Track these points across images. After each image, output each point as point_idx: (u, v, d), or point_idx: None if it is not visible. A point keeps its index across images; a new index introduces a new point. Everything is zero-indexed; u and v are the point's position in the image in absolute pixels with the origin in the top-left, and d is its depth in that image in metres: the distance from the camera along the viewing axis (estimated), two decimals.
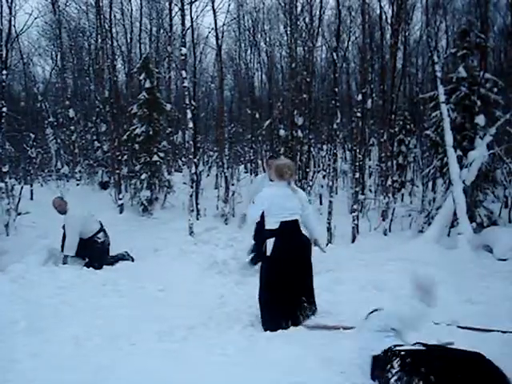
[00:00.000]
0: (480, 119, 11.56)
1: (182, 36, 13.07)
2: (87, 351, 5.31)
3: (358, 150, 14.97)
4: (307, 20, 18.76)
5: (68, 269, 8.70)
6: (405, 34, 18.88)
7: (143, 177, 14.98)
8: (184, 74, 12.57)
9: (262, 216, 6.58)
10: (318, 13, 18.82)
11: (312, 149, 17.95)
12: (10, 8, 14.29)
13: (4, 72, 13.78)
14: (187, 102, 12.55)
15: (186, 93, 12.65)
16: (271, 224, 6.32)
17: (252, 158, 22.85)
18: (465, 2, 23.81)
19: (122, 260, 9.69)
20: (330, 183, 13.23)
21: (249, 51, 26.16)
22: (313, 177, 16.41)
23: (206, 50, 27.80)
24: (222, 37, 22.14)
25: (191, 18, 18.84)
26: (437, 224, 11.01)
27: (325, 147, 21.70)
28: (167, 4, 23.17)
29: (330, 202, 12.00)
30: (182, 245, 10.75)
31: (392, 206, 13.39)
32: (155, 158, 15.06)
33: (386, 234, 12.55)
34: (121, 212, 14.57)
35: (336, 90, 13.20)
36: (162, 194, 15.72)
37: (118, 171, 15.53)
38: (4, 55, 14.55)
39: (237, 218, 11.91)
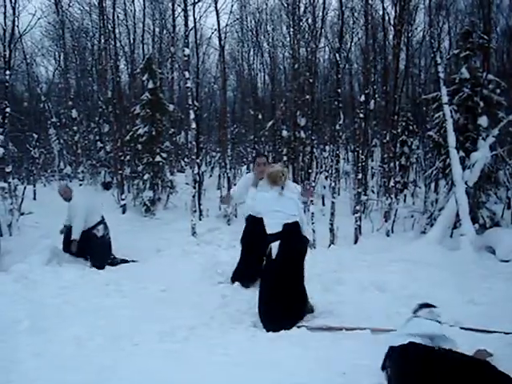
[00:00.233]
0: (483, 120, 11.56)
1: (185, 37, 13.08)
2: (89, 351, 5.32)
3: (360, 151, 14.96)
4: (310, 21, 18.72)
5: (71, 269, 8.71)
6: (408, 35, 18.93)
7: (146, 177, 14.99)
8: (187, 74, 12.59)
9: (251, 220, 6.74)
10: (320, 14, 18.77)
11: (315, 150, 17.93)
12: (13, 8, 14.25)
13: (7, 72, 13.77)
14: (190, 102, 12.56)
15: (189, 93, 12.66)
16: (274, 227, 6.36)
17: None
18: (468, 3, 23.85)
19: (124, 263, 9.72)
20: (333, 184, 13.22)
21: (252, 52, 26.15)
22: (315, 178, 16.40)
23: (209, 51, 27.82)
24: (225, 37, 22.13)
25: (194, 19, 18.83)
26: (439, 225, 11.01)
27: (327, 148, 21.70)
28: (170, 5, 23.20)
29: (333, 202, 11.99)
30: (184, 245, 10.76)
31: (394, 207, 13.38)
32: (158, 158, 15.07)
33: (388, 235, 12.54)
34: (123, 212, 14.58)
35: (339, 90, 13.19)
36: (165, 195, 15.73)
37: (120, 171, 15.54)
38: (7, 55, 14.56)
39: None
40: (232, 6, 29.85)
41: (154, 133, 15.14)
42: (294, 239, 6.46)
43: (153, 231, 12.42)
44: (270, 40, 24.62)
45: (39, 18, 21.06)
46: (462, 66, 12.28)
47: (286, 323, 6.17)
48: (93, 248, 9.50)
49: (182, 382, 4.68)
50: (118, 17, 20.74)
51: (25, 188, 13.32)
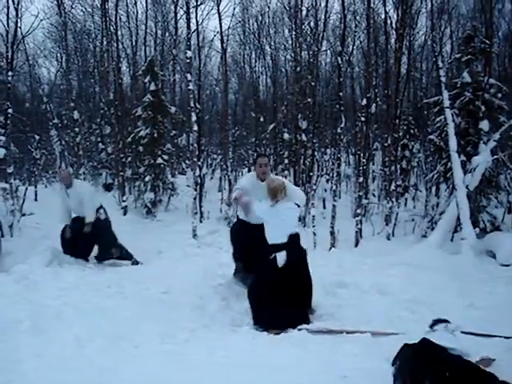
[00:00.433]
0: (484, 124, 11.57)
1: (188, 39, 13.12)
2: (90, 352, 5.31)
3: (361, 155, 14.98)
4: (312, 24, 18.77)
5: (71, 270, 8.72)
6: (409, 39, 18.93)
7: (147, 179, 15.02)
8: (189, 76, 12.62)
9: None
10: (322, 17, 18.80)
11: (316, 153, 17.95)
12: (16, 10, 14.32)
13: (10, 73, 13.82)
14: (192, 104, 12.58)
15: (191, 96, 12.69)
16: (278, 238, 6.41)
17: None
18: (469, 7, 23.87)
19: (129, 259, 9.81)
20: (334, 187, 13.23)
21: (253, 55, 26.18)
22: (316, 181, 16.43)
23: (211, 53, 27.85)
24: (227, 40, 22.21)
25: (197, 22, 18.93)
26: (440, 229, 11.01)
27: (328, 151, 21.71)
28: (172, 7, 23.25)
29: (334, 206, 12.01)
30: (185, 247, 10.77)
31: (395, 211, 13.40)
32: (159, 160, 15.10)
33: (389, 239, 12.56)
34: (124, 214, 14.59)
35: (340, 94, 13.21)
36: (166, 197, 15.76)
37: (121, 173, 15.57)
38: (10, 57, 14.59)
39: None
40: (234, 8, 30.11)
41: (155, 135, 15.17)
42: (298, 249, 6.56)
43: (154, 233, 12.43)
44: (272, 43, 24.68)
45: (42, 20, 21.22)
46: (464, 70, 12.31)
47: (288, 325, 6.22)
48: (99, 231, 9.64)
49: (183, 383, 4.68)
50: (120, 19, 20.82)
51: (26, 189, 13.33)
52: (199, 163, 14.76)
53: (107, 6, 17.23)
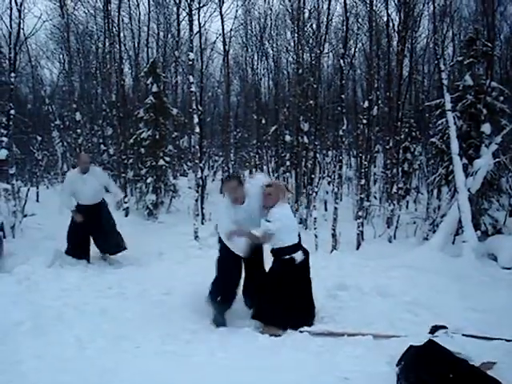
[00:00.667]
0: (486, 127, 11.57)
1: (190, 41, 13.13)
2: (91, 353, 5.32)
3: (363, 157, 14.98)
4: (314, 26, 18.77)
5: (73, 271, 8.73)
6: (411, 42, 18.92)
7: (149, 181, 15.02)
8: (191, 78, 12.62)
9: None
10: (325, 19, 18.82)
11: (317, 155, 17.95)
12: (19, 11, 14.32)
13: (12, 75, 13.84)
14: (194, 106, 12.59)
15: (193, 98, 12.70)
16: (291, 240, 6.41)
17: (258, 163, 22.87)
18: (471, 10, 23.89)
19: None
20: (335, 189, 13.23)
21: (256, 57, 26.18)
22: (318, 183, 16.42)
23: (213, 55, 27.87)
24: (230, 42, 22.23)
25: (199, 23, 18.97)
26: (442, 232, 11.00)
27: (330, 153, 21.71)
28: (175, 9, 23.25)
29: (335, 208, 12.00)
30: (187, 249, 10.78)
31: (397, 213, 13.40)
32: (161, 162, 15.11)
33: (390, 241, 12.55)
34: (126, 215, 14.60)
35: (342, 96, 13.22)
36: (168, 198, 15.76)
37: (123, 175, 15.59)
38: (13, 58, 14.61)
39: None
40: (237, 11, 30.13)
41: (157, 136, 15.17)
42: (303, 248, 6.59)
43: (155, 235, 12.44)
44: (274, 45, 24.67)
45: (44, 21, 21.12)
46: (466, 73, 12.31)
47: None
48: (108, 215, 10.00)
49: None
50: (122, 20, 20.83)
51: (28, 190, 13.34)
52: (201, 165, 14.77)
53: (110, 8, 17.24)
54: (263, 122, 21.91)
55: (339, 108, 13.13)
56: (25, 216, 12.23)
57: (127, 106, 18.30)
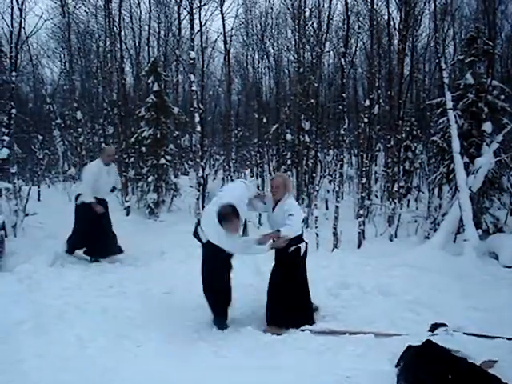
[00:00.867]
0: (487, 126, 11.57)
1: (191, 40, 13.14)
2: (92, 353, 5.32)
3: (364, 156, 14.98)
4: (315, 25, 18.78)
5: (74, 270, 8.72)
6: (412, 40, 18.92)
7: (150, 179, 15.03)
8: (192, 77, 12.64)
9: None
10: (326, 18, 18.83)
11: (318, 154, 17.96)
12: (20, 10, 14.31)
13: (14, 74, 13.84)
14: (195, 105, 12.62)
15: (194, 96, 12.72)
16: (299, 230, 6.45)
17: (259, 162, 22.88)
18: (472, 8, 23.87)
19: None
20: (337, 188, 13.24)
21: (257, 55, 26.16)
22: (319, 182, 16.43)
23: (214, 54, 27.87)
24: (231, 41, 22.21)
25: (200, 22, 18.94)
26: (443, 230, 11.01)
27: (331, 152, 21.72)
28: (176, 8, 23.25)
29: (337, 207, 12.00)
30: (188, 248, 10.72)
31: (398, 212, 13.40)
32: (162, 160, 15.11)
33: (391, 240, 12.55)
34: (127, 214, 14.61)
35: (344, 95, 13.22)
36: (169, 197, 15.77)
37: (124, 174, 15.59)
38: (14, 57, 14.63)
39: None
40: (237, 9, 30.07)
41: (158, 135, 15.17)
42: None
43: (156, 233, 12.44)
44: (275, 44, 24.63)
45: (46, 20, 21.14)
46: (467, 71, 12.30)
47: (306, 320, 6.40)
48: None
49: (185, 383, 4.69)
50: (123, 19, 20.83)
51: (30, 189, 13.35)
52: (202, 164, 14.78)
53: (111, 7, 17.24)
54: (264, 120, 21.90)
55: (340, 107, 13.13)
56: (26, 215, 12.23)
57: (128, 105, 18.32)
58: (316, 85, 17.23)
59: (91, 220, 9.43)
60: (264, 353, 5.48)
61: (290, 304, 6.34)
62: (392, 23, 18.67)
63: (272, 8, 24.58)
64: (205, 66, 22.56)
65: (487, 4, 14.72)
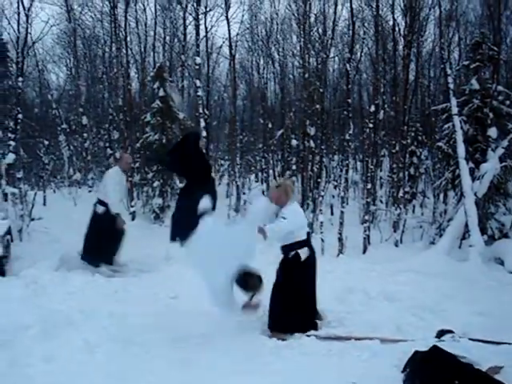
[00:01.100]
0: (492, 131, 11.57)
1: (197, 45, 13.18)
2: (99, 357, 5.32)
3: (369, 161, 14.98)
4: (320, 31, 18.82)
5: (79, 275, 8.72)
6: (417, 46, 18.93)
7: (155, 184, 15.06)
8: (198, 83, 12.67)
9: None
10: (331, 24, 18.87)
11: (323, 159, 17.97)
12: (27, 16, 14.39)
13: (20, 79, 13.90)
14: (200, 110, 12.64)
15: (200, 102, 12.75)
16: (299, 236, 6.47)
17: (264, 167, 22.89)
18: (477, 14, 23.87)
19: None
20: (342, 194, 13.24)
21: (262, 61, 26.17)
22: (324, 187, 16.43)
23: (219, 60, 27.88)
24: (236, 46, 22.25)
25: (205, 28, 19.00)
26: (448, 236, 11.00)
27: (336, 157, 21.73)
28: (181, 13, 23.29)
29: (342, 212, 12.01)
30: None
31: (403, 218, 13.39)
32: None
33: (397, 245, 12.55)
34: (133, 219, 14.62)
35: (349, 100, 13.24)
36: (174, 202, 15.77)
37: (130, 179, 15.61)
38: (20, 62, 14.69)
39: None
40: (243, 15, 30.05)
41: (164, 140, 15.20)
42: (311, 246, 6.64)
43: (162, 238, 12.37)
44: (281, 49, 24.65)
45: (52, 26, 21.17)
46: (472, 77, 12.32)
47: (310, 325, 6.41)
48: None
49: None
50: (129, 25, 20.85)
51: (35, 194, 13.38)
52: None
53: (116, 13, 17.33)
54: (269, 126, 21.94)
55: (345, 112, 13.16)
56: (32, 220, 12.26)
57: (134, 111, 18.36)
58: (321, 90, 17.24)
59: (108, 230, 9.43)
60: (269, 358, 5.48)
61: (291, 309, 6.35)
62: (397, 29, 18.75)
63: (277, 14, 24.60)
64: (210, 71, 22.60)
65: (492, 10, 14.72)
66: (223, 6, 20.29)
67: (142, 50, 24.26)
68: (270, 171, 22.35)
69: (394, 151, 15.87)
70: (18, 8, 14.44)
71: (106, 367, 5.05)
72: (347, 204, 16.04)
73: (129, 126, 16.80)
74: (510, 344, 5.55)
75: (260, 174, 23.75)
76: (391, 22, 18.69)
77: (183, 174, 6.87)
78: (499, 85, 12.62)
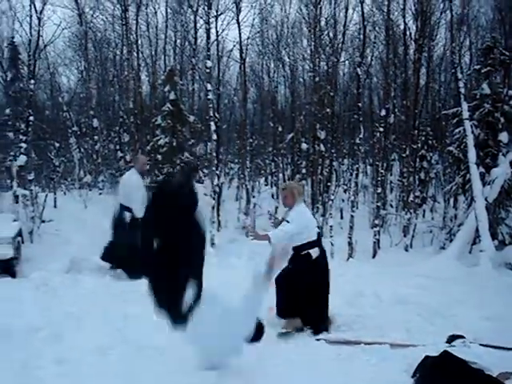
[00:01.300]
0: (503, 136, 11.54)
1: (207, 49, 13.20)
2: (112, 359, 5.31)
3: (379, 165, 14.97)
4: (331, 35, 18.82)
5: (90, 277, 8.75)
6: (428, 50, 18.89)
7: None
8: (209, 86, 12.71)
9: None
10: (341, 28, 18.86)
11: (334, 163, 17.96)
12: (39, 19, 14.49)
13: (31, 81, 13.98)
14: (211, 114, 12.66)
15: (210, 105, 12.77)
16: (309, 237, 6.54)
17: (273, 170, 22.90)
18: (489, 18, 23.79)
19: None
20: (352, 198, 13.23)
21: (272, 65, 26.18)
22: (334, 191, 16.42)
23: (230, 63, 27.91)
24: (246, 50, 22.26)
25: (216, 32, 19.02)
26: (458, 241, 10.98)
27: (346, 161, 21.70)
28: (192, 17, 23.33)
29: (352, 216, 12.00)
30: None
31: (413, 222, 13.36)
32: (178, 168, 15.16)
33: (407, 250, 12.53)
34: None
35: (359, 104, 13.23)
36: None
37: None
38: (32, 65, 14.77)
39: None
40: (253, 19, 29.95)
41: (174, 143, 15.22)
42: (322, 246, 6.71)
43: None
44: (291, 53, 24.64)
45: (63, 29, 21.23)
46: (483, 81, 12.29)
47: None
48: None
49: None
50: (140, 28, 20.91)
51: (46, 196, 13.43)
52: (217, 172, 14.82)
53: (127, 16, 17.40)
54: (279, 129, 21.95)
55: (356, 116, 13.14)
56: (43, 222, 12.31)
57: (144, 113, 18.41)
58: (331, 94, 17.23)
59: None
60: (278, 361, 5.46)
61: (301, 303, 6.46)
62: (408, 33, 18.69)
63: (288, 17, 24.58)
64: (220, 74, 22.61)
65: (504, 14, 14.69)
66: (234, 9, 20.32)
67: (153, 53, 24.30)
68: (280, 175, 22.34)
69: (404, 155, 15.85)
70: (30, 11, 14.53)
71: (119, 369, 5.03)
72: (357, 208, 16.00)
73: (139, 128, 16.84)
74: None
75: (270, 177, 23.74)
76: (402, 26, 18.66)
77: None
78: (510, 89, 12.57)
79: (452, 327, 6.16)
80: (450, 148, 13.17)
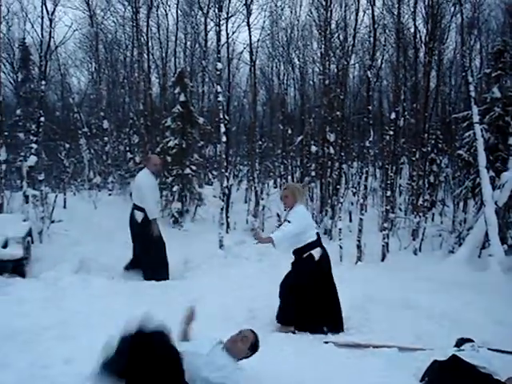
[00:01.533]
0: None
1: (218, 51, 13.22)
2: None
3: (389, 168, 14.94)
4: (341, 38, 18.80)
5: (100, 277, 8.77)
6: (439, 54, 18.85)
7: (175, 189, 15.10)
8: (219, 88, 12.71)
9: None
10: (352, 31, 18.82)
11: (343, 166, 17.94)
12: (50, 20, 14.55)
13: (42, 82, 14.05)
14: (221, 116, 12.67)
15: (220, 107, 12.78)
16: (310, 237, 6.60)
17: (282, 173, 22.90)
18: (500, 22, 23.74)
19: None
20: (361, 201, 13.21)
21: (282, 67, 26.22)
22: (343, 194, 16.40)
23: (239, 65, 27.95)
24: (257, 52, 22.27)
25: (227, 34, 19.05)
26: (468, 245, 10.96)
27: (355, 164, 21.67)
28: (203, 19, 23.39)
29: (361, 219, 11.98)
30: (212, 258, 10.80)
31: (422, 226, 13.33)
32: (187, 170, 15.18)
33: (416, 254, 12.49)
34: None
35: (369, 107, 13.22)
36: (193, 207, 15.82)
37: None
38: (43, 66, 14.85)
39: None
40: (264, 21, 30.01)
41: (184, 145, 15.25)
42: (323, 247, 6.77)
43: (180, 243, 12.46)
44: (301, 56, 24.66)
45: (74, 30, 21.37)
46: (494, 85, 12.27)
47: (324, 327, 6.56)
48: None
49: None
50: (151, 30, 20.97)
51: (56, 196, 13.48)
52: (227, 174, 14.82)
53: (138, 18, 17.46)
54: (289, 132, 21.96)
55: (365, 119, 13.13)
56: (52, 222, 12.35)
57: (154, 115, 18.45)
58: (341, 97, 17.21)
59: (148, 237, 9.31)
60: (286, 365, 5.45)
61: (301, 306, 6.52)
62: (418, 36, 18.66)
63: (298, 20, 24.61)
64: (230, 77, 22.64)
65: None
66: (244, 12, 20.33)
67: (163, 55, 24.37)
68: (289, 177, 22.34)
69: (413, 159, 15.81)
70: (42, 12, 14.59)
71: None
72: (366, 211, 15.99)
73: (149, 130, 16.88)
74: None
75: (279, 179, 23.72)
76: (412, 29, 18.61)
77: None
78: None
79: (461, 331, 6.14)
80: (460, 152, 13.15)
